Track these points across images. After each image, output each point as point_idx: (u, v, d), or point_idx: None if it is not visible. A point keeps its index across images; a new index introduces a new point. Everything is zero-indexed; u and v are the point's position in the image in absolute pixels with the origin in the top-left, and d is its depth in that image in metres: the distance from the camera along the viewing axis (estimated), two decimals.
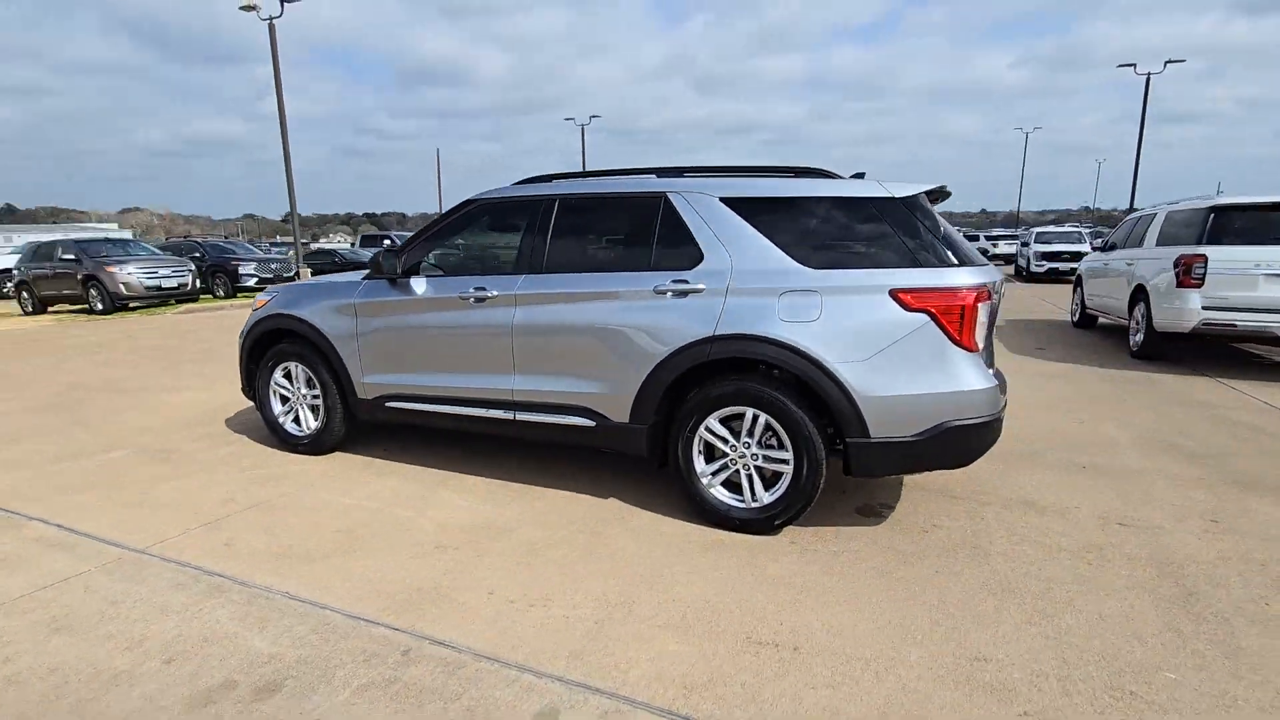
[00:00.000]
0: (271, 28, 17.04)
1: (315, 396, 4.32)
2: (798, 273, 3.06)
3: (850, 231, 3.11)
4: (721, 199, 3.27)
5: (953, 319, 2.89)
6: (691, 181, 3.39)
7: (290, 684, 2.11)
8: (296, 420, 4.43)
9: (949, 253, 3.01)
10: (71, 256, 13.65)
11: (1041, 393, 5.86)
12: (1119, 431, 4.72)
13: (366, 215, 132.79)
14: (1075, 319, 10.04)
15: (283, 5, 16.70)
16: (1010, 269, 22.96)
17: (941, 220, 3.18)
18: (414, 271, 3.95)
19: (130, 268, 13.37)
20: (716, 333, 3.11)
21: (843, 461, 3.04)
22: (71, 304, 14.17)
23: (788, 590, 2.67)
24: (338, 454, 4.35)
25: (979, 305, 2.93)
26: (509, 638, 2.36)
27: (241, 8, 16.58)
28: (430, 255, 3.98)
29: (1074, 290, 10.28)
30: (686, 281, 3.22)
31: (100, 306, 13.33)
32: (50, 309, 14.45)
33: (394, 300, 3.93)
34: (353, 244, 30.78)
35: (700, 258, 3.24)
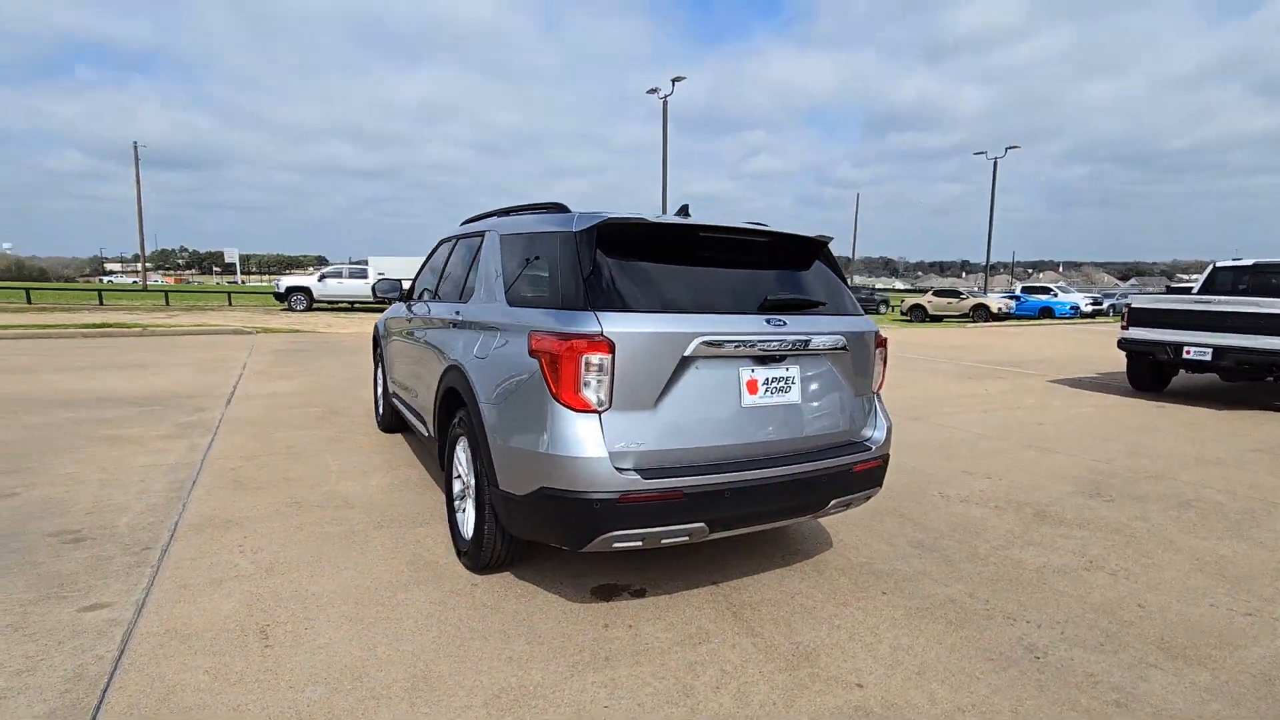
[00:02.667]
0: (664, 104, 20.87)
1: None
2: (497, 308, 3.02)
3: (540, 266, 2.85)
4: (500, 235, 3.34)
5: (553, 368, 2.41)
6: (501, 220, 3.52)
7: None
8: None
9: (618, 296, 2.49)
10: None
11: None
12: None
13: None
14: None
15: (673, 85, 20.33)
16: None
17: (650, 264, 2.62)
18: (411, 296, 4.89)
19: None
20: (454, 360, 3.23)
21: None
22: None
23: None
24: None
25: (582, 356, 2.36)
26: None
27: (649, 91, 20.85)
28: (421, 283, 4.87)
29: None
30: (459, 313, 3.44)
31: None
32: None
33: (402, 318, 4.93)
34: None
35: (473, 291, 3.40)
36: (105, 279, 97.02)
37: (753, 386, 2.65)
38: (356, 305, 25.74)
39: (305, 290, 24.23)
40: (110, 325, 14.61)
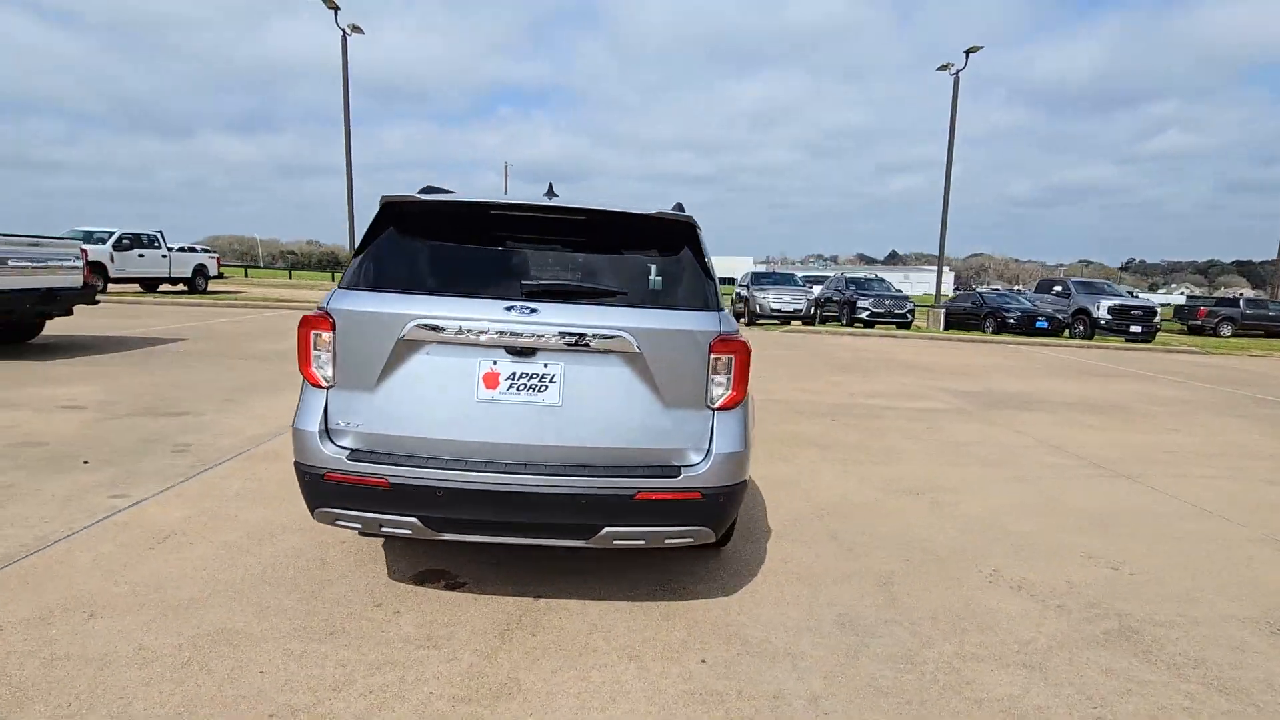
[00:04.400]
0: (955, 80, 17.91)
1: None
2: None
3: None
4: None
5: (299, 342, 2.42)
6: None
7: None
8: None
9: (376, 274, 2.48)
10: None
11: None
12: None
13: (1237, 264, 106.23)
14: None
15: (967, 57, 17.25)
16: None
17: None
18: None
19: (770, 293, 17.52)
20: None
21: None
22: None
23: None
24: None
25: (312, 331, 2.40)
26: None
27: (939, 68, 18.17)
28: None
29: None
30: None
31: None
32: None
33: None
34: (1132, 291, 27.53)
35: None
36: None
37: (491, 380, 2.31)
38: None
39: None
40: None
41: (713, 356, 2.41)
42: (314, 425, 2.37)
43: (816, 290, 21.57)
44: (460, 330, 2.27)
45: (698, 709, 2.12)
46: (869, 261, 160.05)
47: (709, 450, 2.41)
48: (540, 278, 2.43)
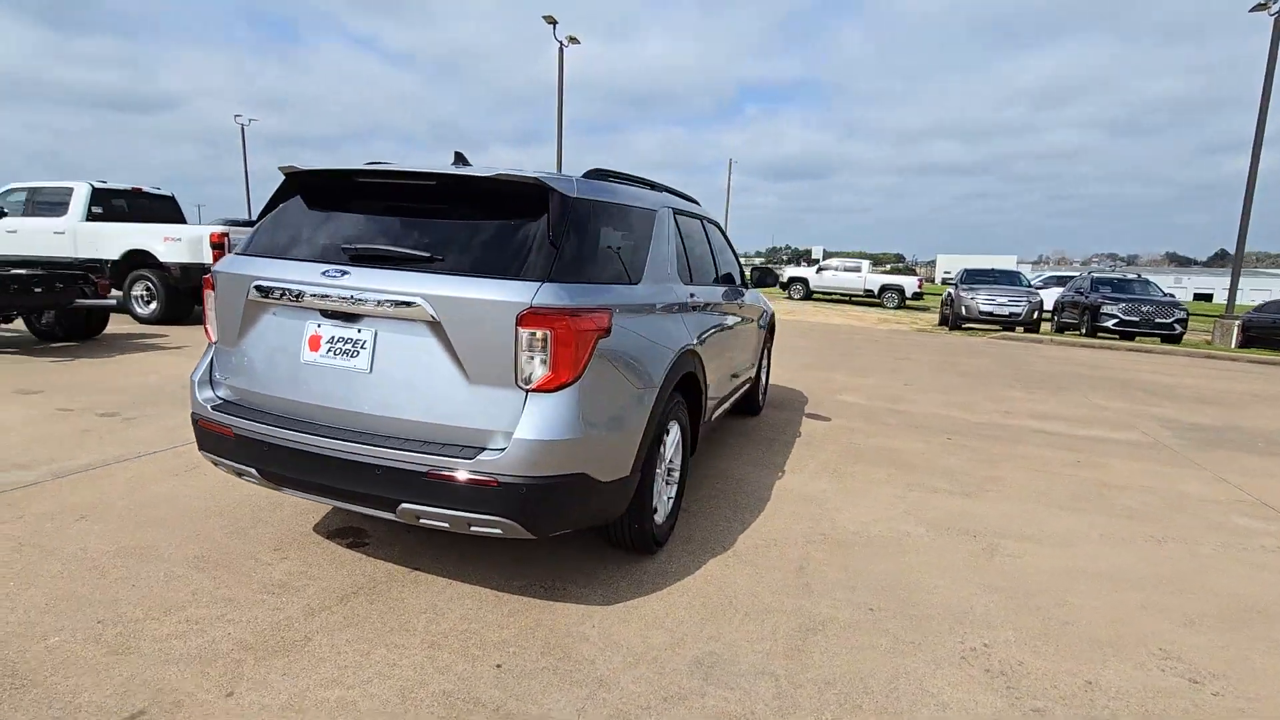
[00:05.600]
0: (1276, 24, 13.32)
1: None
2: None
3: None
4: None
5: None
6: None
7: None
8: None
9: (263, 240, 2.66)
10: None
11: None
12: None
13: None
14: None
15: None
16: None
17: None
18: None
19: (980, 294, 14.94)
20: None
21: None
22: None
23: None
24: None
25: (205, 291, 2.67)
26: None
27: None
28: None
29: None
30: None
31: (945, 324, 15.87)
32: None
33: None
34: None
35: None
36: None
37: (314, 343, 2.31)
38: (855, 299, 26.38)
39: (803, 281, 26.22)
40: None
41: (521, 331, 2.15)
42: (198, 376, 2.64)
43: (1057, 293, 18.13)
44: (284, 293, 2.33)
45: (435, 713, 1.93)
46: (1183, 262, 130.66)
47: (511, 433, 2.16)
48: (373, 243, 2.39)
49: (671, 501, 3.19)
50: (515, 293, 2.16)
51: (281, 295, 2.36)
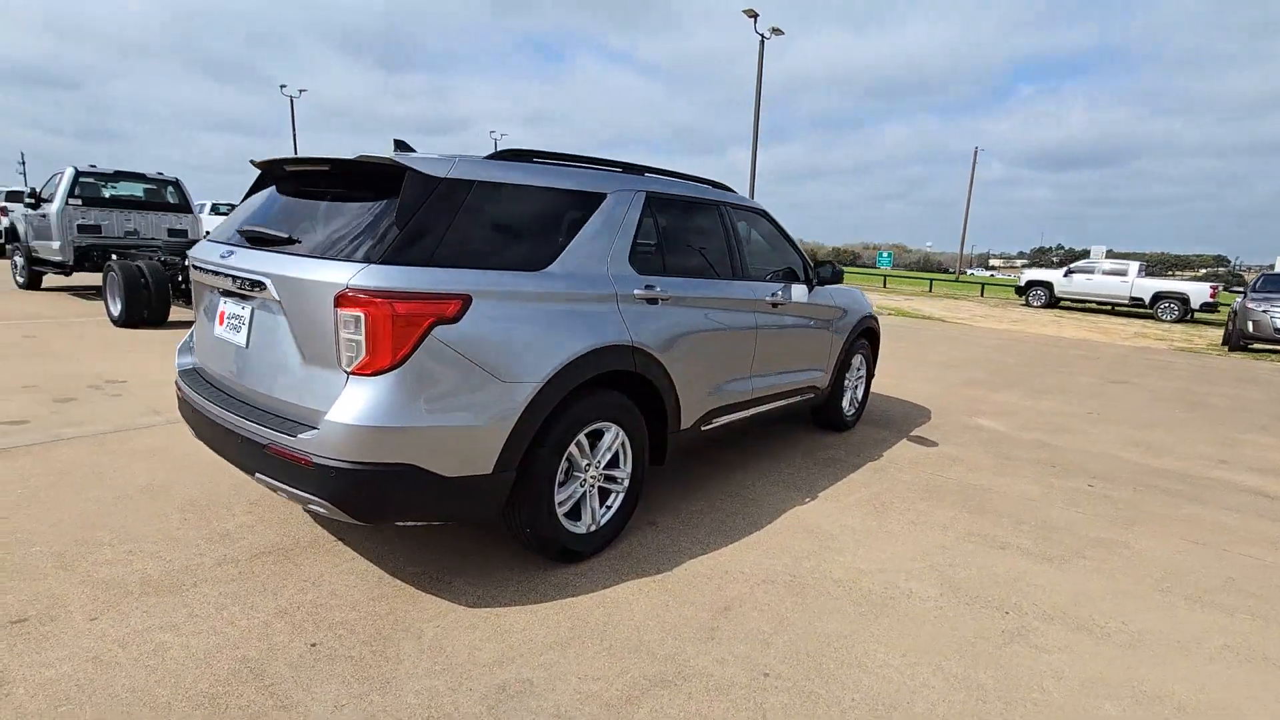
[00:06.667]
0: None
1: None
2: None
3: None
4: None
5: None
6: None
7: None
8: None
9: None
10: None
11: None
12: None
13: None
14: None
15: None
16: None
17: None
18: None
19: (1277, 307, 11.07)
20: None
21: None
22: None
23: None
24: None
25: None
26: None
27: None
28: None
29: None
30: None
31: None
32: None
33: None
34: None
35: None
36: (988, 273, 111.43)
37: (220, 318, 2.51)
38: (1118, 308, 21.84)
39: (1046, 285, 22.34)
40: None
41: (339, 312, 2.11)
42: (180, 344, 3.05)
43: None
44: (201, 270, 2.58)
45: (216, 675, 2.00)
46: None
47: (326, 414, 2.14)
48: (260, 225, 2.51)
49: (611, 512, 2.93)
50: (336, 273, 2.13)
51: (201, 273, 2.64)
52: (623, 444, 2.91)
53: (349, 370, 2.15)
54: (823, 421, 4.99)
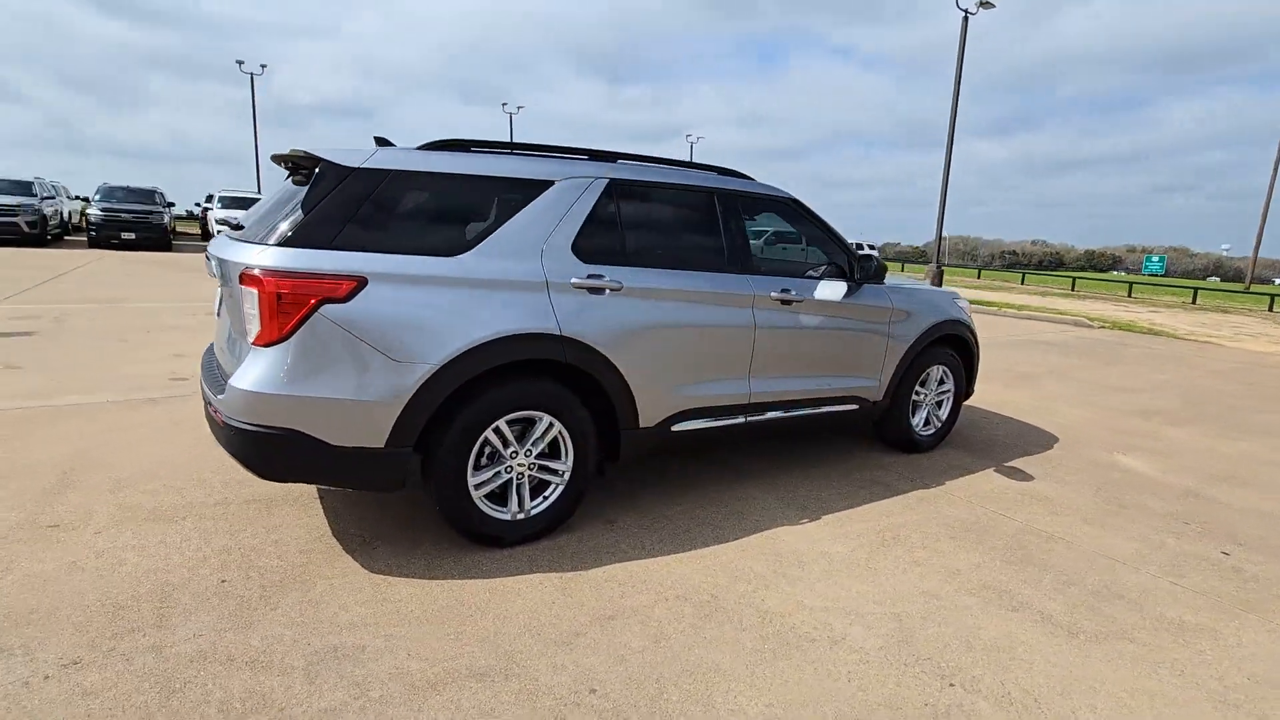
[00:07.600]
0: None
1: None
2: None
3: None
4: None
5: None
6: None
7: None
8: None
9: None
10: None
11: None
12: None
13: None
14: None
15: None
16: None
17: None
18: None
19: None
20: None
21: None
22: None
23: None
24: None
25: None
26: None
27: None
28: None
29: None
30: None
31: None
32: None
33: None
34: None
35: None
36: None
37: (219, 299, 2.92)
38: None
39: None
40: (1043, 310, 15.72)
41: (241, 289, 2.36)
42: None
43: None
44: (208, 258, 3.03)
45: (112, 591, 2.37)
46: None
47: (230, 382, 2.41)
48: (250, 217, 2.86)
49: (547, 503, 2.90)
50: (245, 255, 2.40)
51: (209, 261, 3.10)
52: (560, 435, 2.86)
53: (249, 341, 2.41)
54: (887, 438, 4.39)
